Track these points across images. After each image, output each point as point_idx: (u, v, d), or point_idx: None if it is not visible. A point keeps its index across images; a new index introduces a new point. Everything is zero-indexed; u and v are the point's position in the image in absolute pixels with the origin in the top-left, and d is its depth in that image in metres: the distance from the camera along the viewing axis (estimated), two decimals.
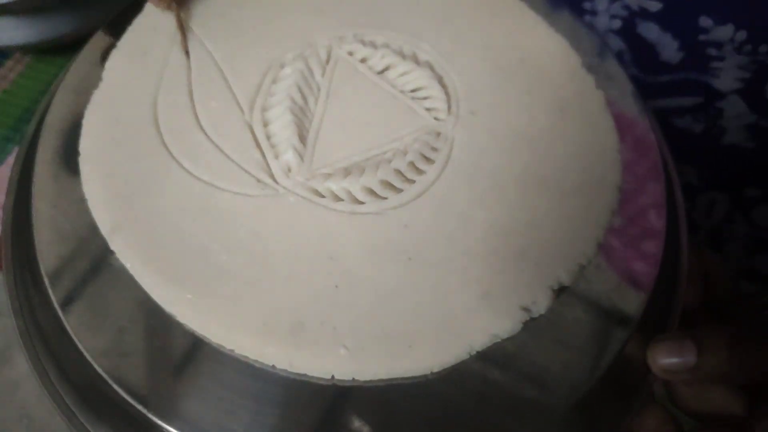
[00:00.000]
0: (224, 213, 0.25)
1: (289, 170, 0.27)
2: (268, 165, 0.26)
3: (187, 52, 0.29)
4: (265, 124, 0.27)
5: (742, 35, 0.38)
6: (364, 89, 0.29)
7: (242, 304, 0.23)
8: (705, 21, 0.38)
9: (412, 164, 0.27)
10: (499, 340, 0.23)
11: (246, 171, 0.26)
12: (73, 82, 0.29)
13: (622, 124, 0.28)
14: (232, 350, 0.23)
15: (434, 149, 0.27)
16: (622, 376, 0.25)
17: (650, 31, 0.40)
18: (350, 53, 0.30)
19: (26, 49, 0.43)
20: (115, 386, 0.23)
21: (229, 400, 0.23)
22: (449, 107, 0.28)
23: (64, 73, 0.30)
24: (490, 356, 0.23)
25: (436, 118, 0.28)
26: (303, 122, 0.27)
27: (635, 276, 0.25)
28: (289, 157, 0.27)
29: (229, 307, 0.23)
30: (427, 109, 0.29)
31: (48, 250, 0.25)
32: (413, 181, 0.27)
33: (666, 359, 0.24)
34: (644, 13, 0.40)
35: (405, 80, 0.29)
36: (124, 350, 0.23)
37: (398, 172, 0.27)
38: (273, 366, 0.23)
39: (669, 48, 0.40)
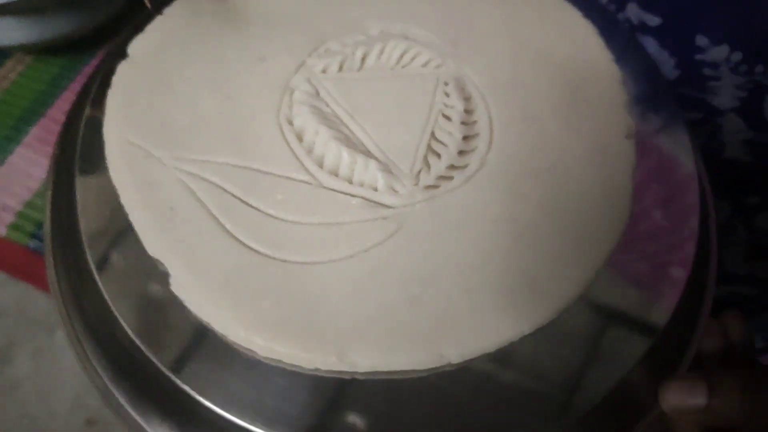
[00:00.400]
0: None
1: (394, 190, 0.26)
2: (376, 201, 0.26)
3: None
4: (334, 174, 0.27)
5: (737, 56, 0.37)
6: (369, 88, 0.29)
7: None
8: (701, 40, 0.37)
9: (463, 125, 0.28)
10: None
11: (370, 220, 0.25)
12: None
13: (656, 130, 0.29)
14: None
15: (466, 98, 0.28)
16: (637, 387, 0.25)
17: (649, 45, 0.39)
18: (323, 71, 0.29)
19: (26, 49, 0.42)
20: (152, 357, 0.23)
21: (267, 374, 0.23)
22: (440, 53, 0.29)
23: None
24: (503, 359, 0.23)
25: (437, 67, 0.29)
26: (358, 148, 0.27)
27: (662, 284, 0.26)
28: (382, 182, 0.26)
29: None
30: (423, 66, 0.29)
31: (90, 224, 0.26)
32: (467, 152, 0.27)
33: (676, 398, 0.25)
34: (644, 27, 0.39)
35: (387, 56, 0.29)
36: (161, 323, 0.24)
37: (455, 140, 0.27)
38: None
39: (666, 65, 0.39)
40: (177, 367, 0.23)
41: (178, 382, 0.23)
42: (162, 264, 0.24)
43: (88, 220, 0.26)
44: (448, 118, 0.28)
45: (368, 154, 0.27)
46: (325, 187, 0.26)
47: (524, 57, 0.30)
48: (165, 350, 0.23)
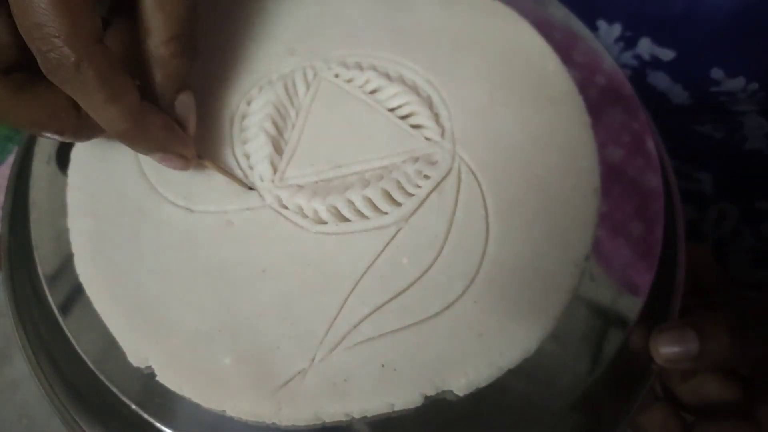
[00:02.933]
0: None
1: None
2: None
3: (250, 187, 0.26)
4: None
5: (753, 86, 0.36)
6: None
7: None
8: (716, 73, 0.37)
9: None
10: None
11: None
12: None
13: (624, 132, 0.29)
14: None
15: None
16: (619, 378, 0.25)
17: (660, 80, 0.39)
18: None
19: None
20: (113, 388, 0.23)
21: None
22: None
23: None
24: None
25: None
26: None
27: (633, 280, 0.26)
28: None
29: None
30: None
31: (45, 251, 0.25)
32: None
33: (669, 349, 0.24)
34: (656, 63, 0.38)
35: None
36: (121, 353, 0.23)
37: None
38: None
39: (680, 97, 0.39)
40: (136, 394, 0.23)
41: (139, 410, 0.23)
42: None
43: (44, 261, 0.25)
44: (375, 91, 0.28)
45: (390, 172, 0.26)
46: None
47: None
48: (125, 377, 0.23)
